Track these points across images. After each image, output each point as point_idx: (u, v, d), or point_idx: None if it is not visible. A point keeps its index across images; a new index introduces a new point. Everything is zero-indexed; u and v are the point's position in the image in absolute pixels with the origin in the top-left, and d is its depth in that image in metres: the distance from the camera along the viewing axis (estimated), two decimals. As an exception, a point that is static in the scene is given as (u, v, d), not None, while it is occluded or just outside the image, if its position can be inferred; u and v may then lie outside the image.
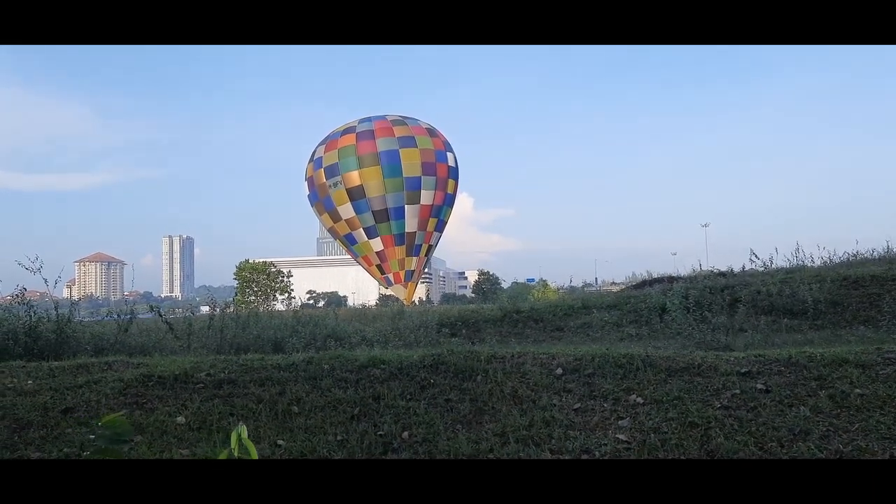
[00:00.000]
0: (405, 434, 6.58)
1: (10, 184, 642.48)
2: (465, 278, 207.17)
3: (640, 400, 6.71)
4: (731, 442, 5.82)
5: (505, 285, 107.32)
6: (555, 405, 6.78)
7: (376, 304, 51.53)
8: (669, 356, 7.68)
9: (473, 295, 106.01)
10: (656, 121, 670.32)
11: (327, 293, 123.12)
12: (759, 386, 6.72)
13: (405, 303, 34.31)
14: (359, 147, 32.83)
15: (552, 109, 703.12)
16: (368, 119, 34.66)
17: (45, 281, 11.89)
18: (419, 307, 36.87)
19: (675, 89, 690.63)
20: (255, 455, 2.32)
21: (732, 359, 7.46)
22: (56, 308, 11.81)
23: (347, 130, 33.99)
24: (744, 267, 20.16)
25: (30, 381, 8.19)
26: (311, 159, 35.02)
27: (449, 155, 35.02)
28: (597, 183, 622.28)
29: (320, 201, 34.14)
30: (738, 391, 6.67)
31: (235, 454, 2.31)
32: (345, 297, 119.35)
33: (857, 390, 6.41)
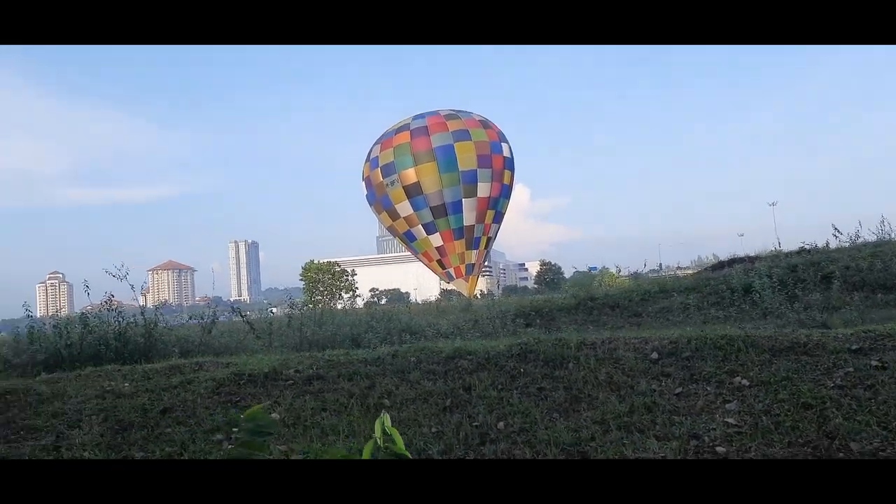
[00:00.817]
0: (501, 424, 6.44)
1: (82, 199, 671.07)
2: (526, 270, 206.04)
3: (745, 382, 6.41)
4: (850, 422, 5.48)
5: (567, 275, 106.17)
6: (654, 390, 6.54)
7: (438, 299, 51.60)
8: (770, 336, 7.33)
9: (536, 286, 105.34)
10: (711, 99, 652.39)
11: (389, 290, 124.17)
12: (874, 363, 6.34)
13: (467, 296, 34.25)
14: (413, 144, 32.93)
15: (602, 92, 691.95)
16: (421, 115, 34.74)
17: (132, 287, 12.28)
18: (482, 300, 36.74)
19: (728, 66, 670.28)
20: (400, 443, 2.22)
21: (840, 336, 7.07)
22: (143, 313, 12.15)
23: (401, 128, 34.15)
24: (827, 243, 19.28)
25: (126, 384, 8.40)
26: (367, 159, 35.34)
27: (504, 146, 34.78)
28: (652, 165, 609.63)
29: (378, 200, 34.40)
30: (851, 369, 6.30)
31: (381, 444, 2.21)
32: (407, 293, 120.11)
33: None
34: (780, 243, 21.16)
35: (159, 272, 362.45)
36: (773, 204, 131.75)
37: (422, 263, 36.36)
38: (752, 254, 22.57)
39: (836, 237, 18.80)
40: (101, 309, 12.48)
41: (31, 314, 12.51)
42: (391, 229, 35.71)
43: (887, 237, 19.03)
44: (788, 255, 18.65)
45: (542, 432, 6.16)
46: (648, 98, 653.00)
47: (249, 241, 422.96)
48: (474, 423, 6.51)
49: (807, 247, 18.90)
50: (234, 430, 2.25)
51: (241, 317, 13.03)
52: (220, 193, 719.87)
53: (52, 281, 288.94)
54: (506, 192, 35.59)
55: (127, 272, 12.34)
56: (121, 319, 11.86)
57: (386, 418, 2.24)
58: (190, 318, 13.51)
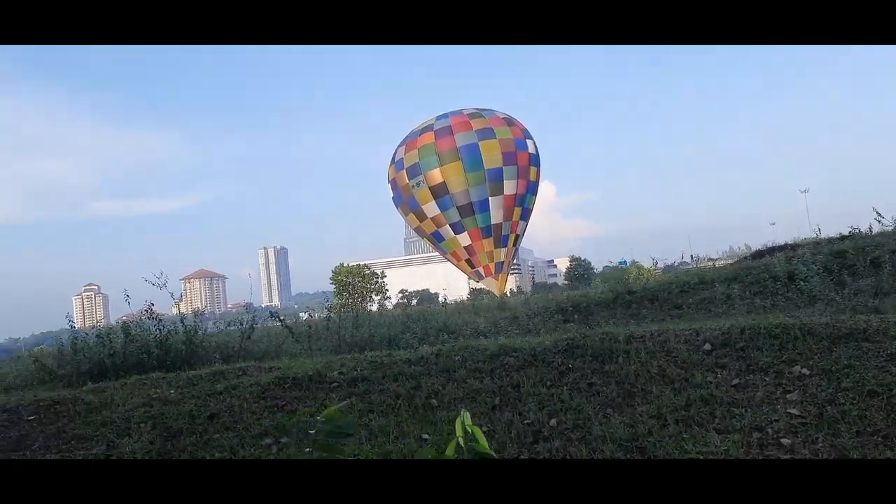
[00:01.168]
0: (553, 421, 6.30)
1: (115, 211, 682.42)
2: (555, 266, 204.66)
3: (805, 371, 6.19)
4: (921, 409, 5.26)
5: (597, 270, 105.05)
6: (710, 382, 6.35)
7: (468, 299, 51.46)
8: (828, 323, 7.09)
9: (566, 282, 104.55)
10: (735, 90, 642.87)
11: (419, 291, 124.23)
12: (940, 347, 6.08)
13: (497, 294, 34.08)
14: (438, 144, 32.85)
15: (625, 85, 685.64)
16: (445, 115, 34.63)
17: (171, 295, 12.36)
18: (513, 298, 36.55)
19: (755, 54, 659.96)
20: (483, 442, 2.12)
21: (901, 321, 6.81)
22: (182, 321, 12.22)
23: (425, 129, 34.08)
24: (871, 228, 18.76)
25: (172, 391, 8.41)
26: (393, 161, 35.32)
27: (528, 142, 34.54)
28: (677, 157, 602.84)
29: (405, 202, 34.38)
30: (917, 355, 6.05)
31: (463, 444, 2.11)
32: (436, 293, 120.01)
33: None
34: (819, 230, 20.70)
35: (191, 281, 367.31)
36: (804, 191, 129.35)
37: (450, 263, 36.36)
38: (789, 242, 22.11)
39: (880, 221, 18.31)
40: (142, 318, 12.57)
41: (73, 325, 12.66)
42: (419, 230, 35.69)
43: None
44: (831, 241, 18.21)
45: (596, 428, 6.01)
46: (673, 92, 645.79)
47: (278, 247, 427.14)
48: (526, 421, 6.38)
49: (851, 232, 18.43)
50: (281, 435, 2.17)
51: (280, 321, 13.05)
52: (249, 200, 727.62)
53: (88, 293, 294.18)
54: (532, 188, 35.35)
55: (166, 280, 12.44)
56: (161, 328, 11.94)
57: (466, 417, 2.14)
58: (228, 324, 13.58)
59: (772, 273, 14.73)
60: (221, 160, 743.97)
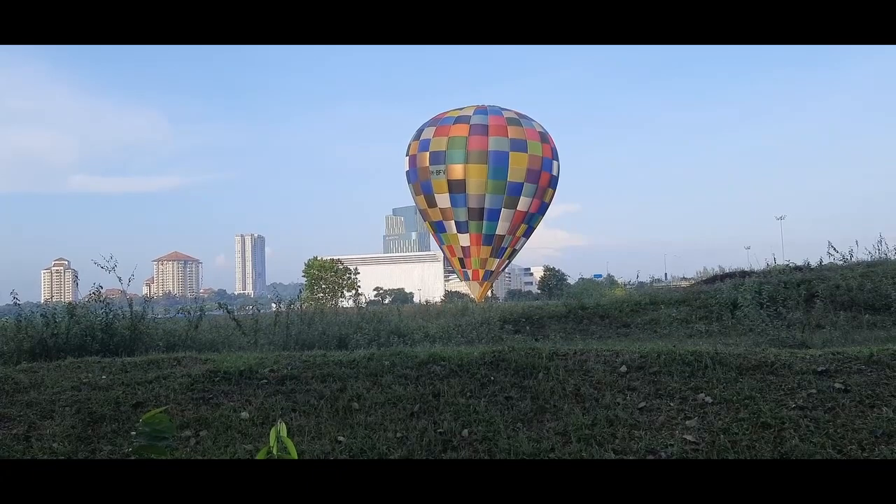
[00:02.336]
0: (465, 432, 6.49)
1: (92, 187, 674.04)
2: (531, 274, 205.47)
3: (708, 399, 6.44)
4: (806, 444, 5.53)
5: (571, 281, 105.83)
6: (619, 404, 6.58)
7: (442, 301, 51.64)
8: (740, 353, 7.35)
9: (539, 291, 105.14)
10: (727, 111, 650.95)
11: (394, 290, 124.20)
12: (838, 385, 6.36)
13: (477, 300, 34.33)
14: (470, 141, 32.77)
15: (615, 101, 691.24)
16: (484, 111, 34.33)
17: (120, 279, 12.34)
18: (484, 304, 36.76)
19: (743, 77, 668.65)
20: (293, 452, 2.28)
21: (808, 356, 7.09)
22: (130, 306, 12.22)
23: (461, 119, 33.86)
24: (821, 261, 19.24)
25: (104, 376, 8.47)
26: (417, 138, 34.98)
27: (554, 164, 34.81)
28: (664, 176, 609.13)
29: (419, 182, 34.35)
30: (814, 391, 6.33)
31: (275, 452, 2.27)
32: (411, 293, 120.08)
33: (947, 391, 5.98)
34: (775, 258, 21.17)
35: (164, 263, 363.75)
36: (780, 218, 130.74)
37: (439, 257, 36.77)
38: (757, 268, 22.53)
39: (831, 255, 18.77)
40: (90, 300, 12.55)
41: (17, 301, 12.60)
42: (424, 213, 35.71)
43: (883, 257, 18.98)
44: (783, 271, 18.64)
45: (503, 441, 6.22)
46: (663, 106, 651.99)
47: (256, 235, 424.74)
48: (439, 430, 6.56)
49: (795, 264, 18.92)
50: (201, 428, 2.30)
51: (228, 313, 13.10)
52: (229, 186, 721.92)
53: (58, 268, 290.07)
54: (543, 209, 35.65)
55: (115, 263, 12.42)
56: (108, 311, 11.93)
57: (282, 428, 2.30)
58: (178, 311, 13.58)
59: (718, 299, 15.08)
60: (203, 143, 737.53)
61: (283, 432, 2.26)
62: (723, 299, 14.91)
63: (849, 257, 18.59)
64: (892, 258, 18.55)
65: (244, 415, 7.18)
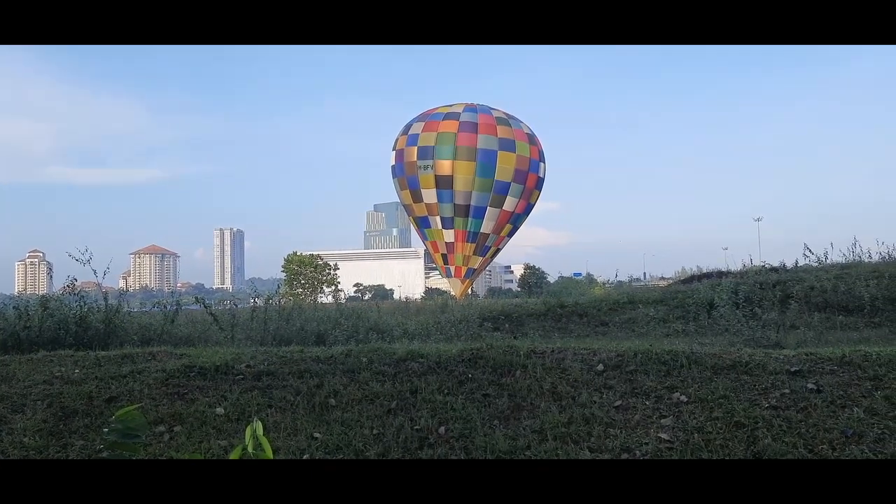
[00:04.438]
0: (442, 429, 6.49)
1: (69, 178, 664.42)
2: (511, 272, 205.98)
3: (683, 398, 6.50)
4: (778, 443, 5.59)
5: (551, 279, 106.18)
6: (595, 402, 6.62)
7: (422, 298, 51.64)
8: (715, 353, 7.42)
9: (519, 289, 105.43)
10: (707, 113, 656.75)
11: (374, 286, 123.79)
12: (810, 385, 6.44)
13: (457, 298, 34.33)
14: (459, 137, 32.78)
15: (596, 100, 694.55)
16: (473, 109, 34.41)
17: (95, 272, 12.15)
18: (464, 301, 36.84)
19: (725, 78, 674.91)
20: (269, 451, 2.25)
21: (782, 357, 7.17)
22: (105, 299, 12.07)
23: (450, 115, 33.87)
24: (797, 262, 19.50)
25: (77, 370, 8.36)
26: (405, 132, 34.89)
27: (541, 165, 34.96)
28: (645, 176, 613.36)
29: (405, 177, 34.26)
30: (787, 391, 6.40)
31: (250, 450, 2.24)
32: (391, 290, 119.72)
33: (916, 392, 6.09)
34: (752, 260, 21.42)
35: (142, 256, 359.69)
36: (758, 219, 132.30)
37: (427, 250, 36.78)
38: (734, 268, 22.77)
39: (806, 257, 19.03)
40: (65, 292, 12.37)
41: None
42: (408, 208, 35.62)
43: (857, 259, 19.27)
44: (759, 272, 18.86)
45: (480, 439, 6.23)
46: (647, 105, 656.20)
47: (235, 229, 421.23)
48: (415, 427, 6.56)
49: (771, 266, 19.16)
50: (175, 424, 2.27)
51: (205, 307, 12.98)
52: (209, 179, 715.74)
53: (32, 259, 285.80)
54: (528, 210, 35.76)
55: (90, 256, 12.24)
56: (83, 304, 11.77)
57: (259, 426, 2.27)
58: (154, 305, 13.43)
59: (695, 299, 15.22)
60: (184, 136, 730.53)
61: (260, 431, 2.23)
62: (700, 299, 15.05)
63: (824, 259, 18.88)
64: (866, 260, 18.86)
65: (219, 410, 7.13)
